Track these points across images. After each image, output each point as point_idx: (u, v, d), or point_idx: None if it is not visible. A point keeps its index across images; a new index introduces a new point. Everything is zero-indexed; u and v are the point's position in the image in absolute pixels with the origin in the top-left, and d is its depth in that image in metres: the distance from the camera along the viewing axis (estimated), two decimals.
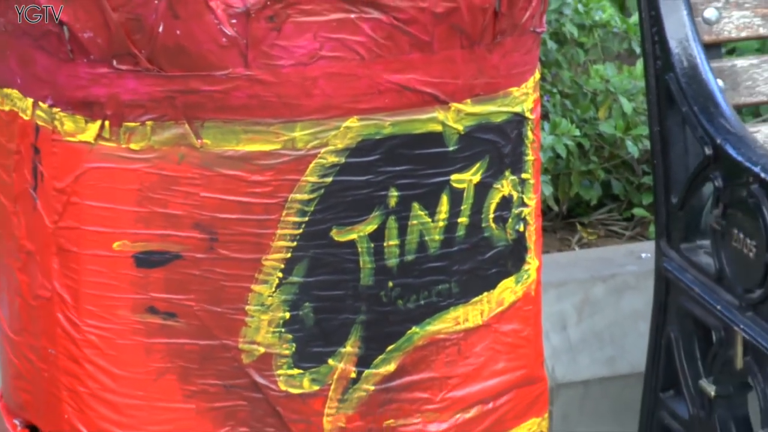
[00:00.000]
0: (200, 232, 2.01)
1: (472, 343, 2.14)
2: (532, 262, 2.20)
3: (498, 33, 2.07)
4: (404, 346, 2.09)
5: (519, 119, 2.14)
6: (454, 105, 2.06)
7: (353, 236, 2.04)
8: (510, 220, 2.15)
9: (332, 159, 2.01)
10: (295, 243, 2.02)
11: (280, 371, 2.05)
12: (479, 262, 2.13)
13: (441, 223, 2.08)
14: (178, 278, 2.02)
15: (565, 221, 3.77)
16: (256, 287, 2.02)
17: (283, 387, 2.05)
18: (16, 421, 2.17)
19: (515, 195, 2.15)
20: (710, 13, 2.85)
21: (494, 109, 2.10)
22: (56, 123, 2.02)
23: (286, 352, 2.05)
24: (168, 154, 1.99)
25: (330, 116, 1.99)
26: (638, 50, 3.73)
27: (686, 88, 2.76)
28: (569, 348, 3.10)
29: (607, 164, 3.74)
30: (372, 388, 2.09)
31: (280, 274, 2.02)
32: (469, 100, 2.07)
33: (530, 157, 2.17)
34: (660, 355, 2.83)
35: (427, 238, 2.08)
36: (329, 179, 2.01)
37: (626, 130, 3.67)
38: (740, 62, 2.91)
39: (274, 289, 2.03)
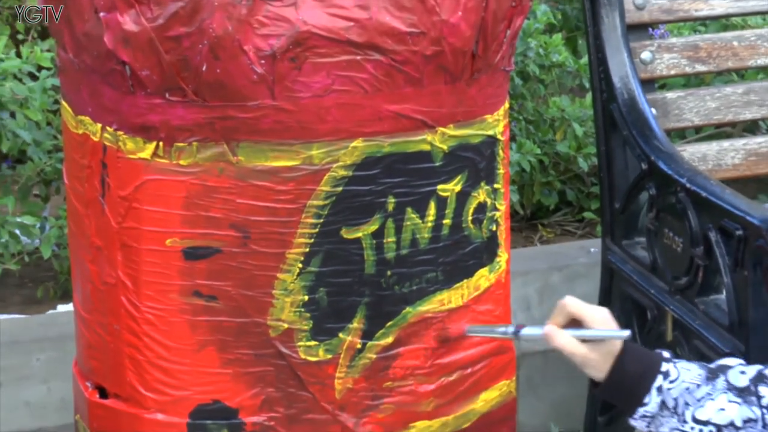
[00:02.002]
0: (236, 231, 2.01)
1: (454, 320, 2.13)
2: (502, 255, 2.20)
3: (475, 71, 2.07)
4: (400, 322, 2.09)
5: (492, 140, 2.14)
6: (440, 129, 2.06)
7: (359, 234, 2.04)
8: (485, 221, 2.16)
9: (342, 172, 2.01)
10: (312, 240, 2.02)
11: (300, 343, 2.05)
12: (460, 255, 2.13)
13: (429, 224, 2.08)
14: (218, 268, 2.02)
15: (528, 222, 3.77)
16: (281, 275, 2.02)
17: (302, 356, 2.05)
18: (88, 383, 2.17)
19: (489, 201, 2.16)
20: (646, 55, 2.86)
21: (472, 132, 2.10)
22: (120, 143, 2.03)
23: (305, 327, 2.04)
24: (210, 168, 1.99)
25: (340, 138, 1.99)
26: (588, 85, 3.73)
27: (626, 116, 2.76)
28: (532, 324, 3.10)
29: (562, 177, 3.74)
30: (374, 356, 2.08)
31: (300, 265, 2.02)
32: (451, 125, 2.07)
33: (501, 170, 2.17)
34: None
35: (418, 236, 2.08)
36: (340, 188, 2.01)
37: (578, 149, 3.67)
38: (670, 95, 2.91)
39: (295, 277, 2.03)
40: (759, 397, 2.03)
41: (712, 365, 2.10)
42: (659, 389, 2.06)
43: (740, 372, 2.06)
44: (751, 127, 3.70)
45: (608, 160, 2.82)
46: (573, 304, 2.09)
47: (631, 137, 2.73)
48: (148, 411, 2.07)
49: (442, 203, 2.09)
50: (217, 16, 1.92)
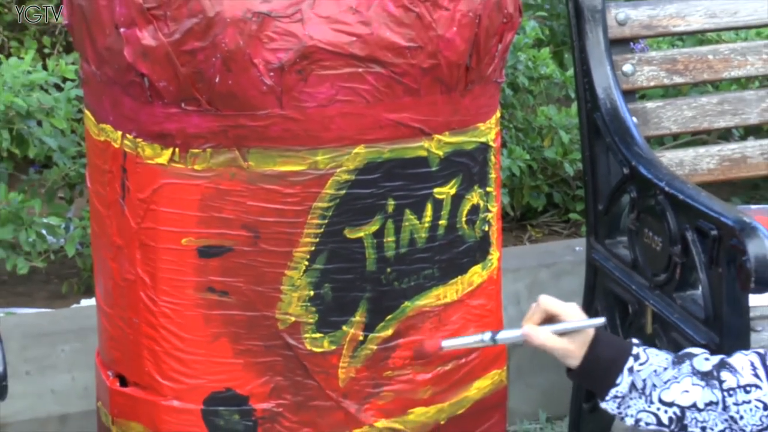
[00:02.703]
0: (247, 231, 2.01)
1: (449, 314, 2.14)
2: (494, 253, 2.20)
3: (469, 83, 2.07)
4: (399, 316, 2.09)
5: (484, 147, 2.14)
6: (436, 136, 2.06)
7: (361, 234, 2.04)
8: (478, 222, 2.16)
9: (345, 176, 2.01)
10: (317, 239, 2.01)
11: (306, 335, 2.05)
12: (455, 253, 2.13)
13: (426, 225, 2.08)
14: (230, 265, 2.01)
15: (518, 223, 3.77)
16: (288, 272, 2.02)
17: (308, 347, 2.05)
18: (109, 372, 2.16)
19: (482, 203, 2.16)
20: (627, 68, 2.86)
21: (466, 139, 2.10)
22: (139, 150, 2.03)
23: (311, 320, 2.04)
24: (222, 172, 1.99)
25: (343, 145, 1.99)
26: (573, 95, 3.73)
27: (609, 124, 2.76)
28: (522, 318, 3.10)
29: (550, 181, 3.74)
30: (375, 347, 2.08)
31: (307, 263, 2.02)
32: (447, 133, 2.07)
33: (493, 175, 2.17)
34: None
35: (416, 235, 2.08)
36: (343, 192, 2.01)
37: (564, 155, 3.67)
38: (649, 104, 2.91)
39: (302, 274, 2.02)
40: (721, 382, 2.04)
41: (679, 353, 2.12)
42: (630, 370, 2.08)
43: (704, 359, 2.08)
44: (724, 135, 3.71)
45: (592, 165, 2.82)
46: (547, 302, 2.12)
47: (613, 144, 2.73)
48: (165, 398, 2.07)
49: (438, 205, 2.09)
50: (230, 31, 1.92)
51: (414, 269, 2.08)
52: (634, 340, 2.13)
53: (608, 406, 2.10)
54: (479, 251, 2.16)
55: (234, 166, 1.99)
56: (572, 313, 2.12)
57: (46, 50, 3.91)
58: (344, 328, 2.06)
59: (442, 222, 2.10)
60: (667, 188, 2.54)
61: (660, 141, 3.75)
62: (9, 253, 3.17)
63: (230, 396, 2.05)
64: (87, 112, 2.15)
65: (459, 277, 2.14)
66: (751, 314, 2.45)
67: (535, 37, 3.78)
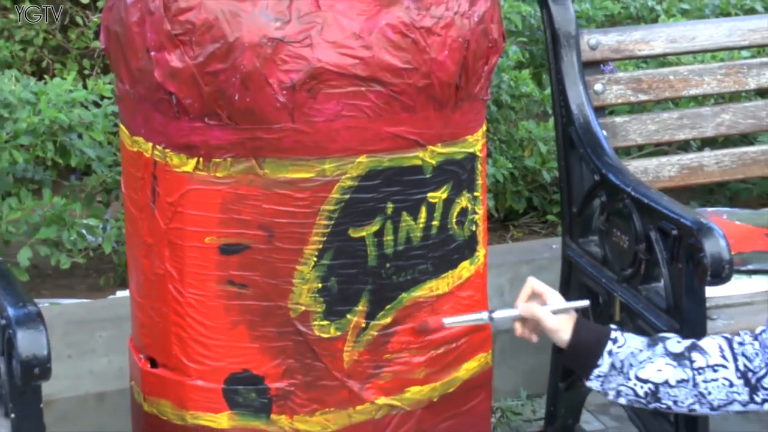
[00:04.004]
0: (262, 231, 2.01)
1: (441, 303, 2.13)
2: (481, 250, 2.20)
3: (458, 100, 2.07)
4: (397, 306, 2.09)
5: (472, 156, 2.14)
6: (430, 147, 2.06)
7: (363, 233, 2.04)
8: (466, 223, 2.15)
9: (349, 182, 2.01)
10: (325, 238, 2.01)
11: (315, 322, 2.04)
12: (446, 251, 2.12)
13: (421, 225, 2.08)
14: (248, 261, 2.01)
15: (502, 224, 3.76)
16: (299, 267, 2.02)
17: (317, 333, 2.05)
18: (141, 356, 2.16)
19: (470, 206, 2.15)
20: (598, 87, 2.85)
21: (456, 150, 2.10)
22: (168, 159, 2.02)
23: (319, 309, 2.04)
24: (241, 179, 1.99)
25: (348, 154, 1.99)
26: (550, 111, 3.72)
27: (582, 137, 2.75)
28: (505, 307, 3.09)
29: (529, 186, 3.73)
30: (375, 333, 2.08)
31: (315, 259, 2.02)
32: (439, 144, 2.07)
33: (480, 181, 2.17)
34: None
35: (412, 235, 2.07)
36: (348, 196, 2.01)
37: (542, 164, 3.66)
38: (617, 119, 2.90)
39: (311, 268, 2.02)
40: (692, 361, 2.05)
41: (654, 336, 2.13)
42: (609, 353, 2.09)
43: (677, 341, 2.10)
44: (683, 146, 3.70)
45: (567, 172, 2.81)
46: (536, 283, 2.16)
47: (585, 154, 2.73)
48: (190, 378, 2.07)
49: (431, 208, 2.08)
50: (247, 54, 1.92)
51: (410, 264, 2.08)
52: (612, 326, 2.15)
53: (592, 384, 2.11)
54: (468, 249, 2.16)
55: (251, 173, 1.98)
56: (555, 295, 2.16)
57: (86, 71, 3.91)
58: (348, 316, 2.05)
59: (435, 223, 2.09)
60: (633, 193, 2.54)
61: (627, 151, 3.75)
62: (53, 250, 3.16)
63: (248, 376, 2.05)
64: (122, 126, 2.14)
65: (450, 271, 2.13)
66: (708, 304, 2.44)
67: (516, 60, 3.78)
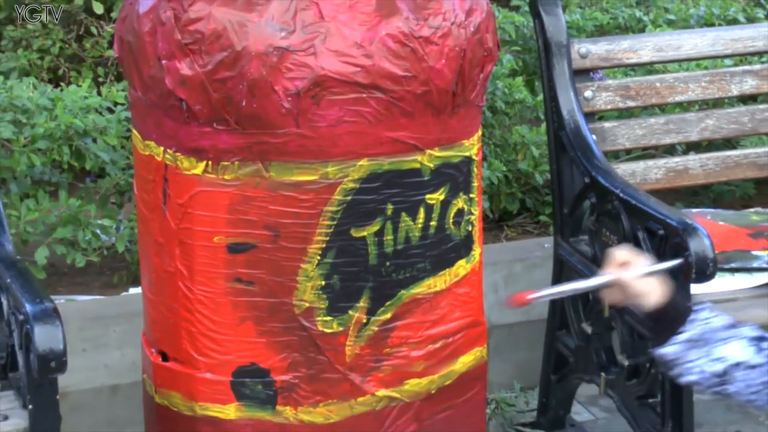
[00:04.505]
0: (268, 230, 2.01)
1: (438, 300, 2.13)
2: (476, 249, 2.20)
3: (455, 106, 2.07)
4: (396, 302, 2.08)
5: (468, 160, 2.13)
6: (428, 151, 2.05)
7: (364, 233, 2.04)
8: (463, 223, 2.15)
9: (351, 185, 2.00)
10: (328, 238, 2.01)
11: (318, 318, 2.04)
12: (443, 249, 2.12)
13: (419, 225, 2.08)
14: (254, 260, 2.01)
15: (497, 224, 3.76)
16: (303, 265, 2.02)
17: (320, 328, 2.05)
18: (153, 350, 2.16)
19: (466, 207, 2.15)
20: (588, 94, 2.85)
21: (453, 154, 2.10)
22: (178, 162, 2.02)
23: (323, 306, 2.04)
24: (248, 182, 1.99)
25: (350, 158, 1.99)
26: (542, 117, 3.72)
27: (573, 141, 2.75)
28: (499, 304, 3.09)
29: (523, 188, 3.72)
30: (376, 328, 2.08)
31: (319, 257, 2.02)
32: (437, 148, 2.06)
33: (475, 183, 2.17)
34: (556, 308, 2.82)
35: (410, 234, 2.07)
36: (349, 197, 2.01)
37: (535, 167, 3.65)
38: (606, 124, 2.90)
39: (314, 266, 2.02)
40: (763, 349, 1.94)
41: (734, 321, 2.00)
42: (692, 321, 1.97)
43: (753, 328, 1.98)
44: (670, 150, 3.69)
45: (559, 175, 2.81)
46: (620, 253, 2.02)
47: (576, 157, 2.73)
48: (199, 371, 2.07)
49: (429, 209, 2.08)
50: (254, 63, 1.92)
51: (409, 263, 2.08)
52: (699, 299, 2.02)
53: (669, 350, 1.97)
54: (464, 248, 2.16)
55: (258, 176, 1.98)
56: (644, 261, 2.03)
57: (101, 79, 3.91)
58: (350, 312, 2.05)
59: (433, 223, 2.09)
60: (621, 195, 2.54)
61: (615, 155, 3.74)
62: (69, 249, 3.16)
63: (254, 369, 2.05)
64: (134, 130, 2.14)
65: (447, 269, 2.13)
66: (693, 301, 2.44)
67: (510, 68, 3.77)
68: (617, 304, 2.06)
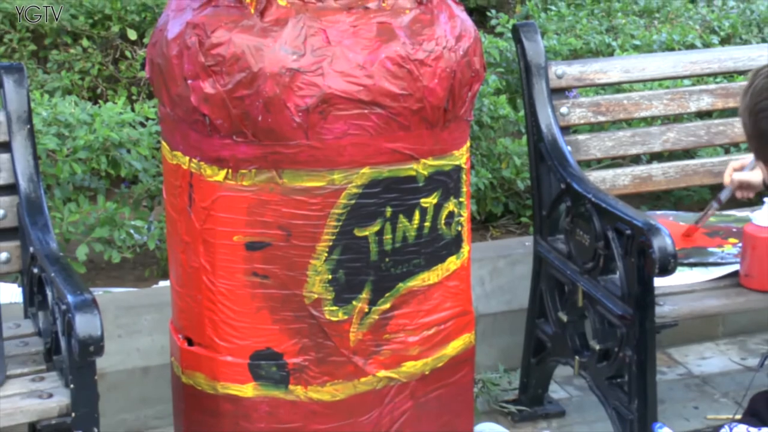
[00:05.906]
0: (282, 230, 2.00)
1: (432, 292, 2.12)
2: (465, 247, 2.19)
3: (447, 121, 2.06)
4: (394, 294, 2.08)
5: (458, 168, 2.13)
6: (423, 160, 2.05)
7: (366, 233, 2.03)
8: (453, 224, 2.14)
9: (355, 190, 2.00)
10: (334, 237, 2.00)
11: (326, 308, 2.04)
12: (436, 247, 2.11)
13: (415, 226, 2.07)
14: (270, 256, 2.00)
15: (483, 225, 3.75)
16: (312, 261, 2.01)
17: (327, 316, 2.04)
18: (180, 336, 2.15)
19: (456, 210, 2.14)
20: (564, 110, 2.85)
21: (445, 163, 2.09)
22: (202, 170, 2.02)
23: (329, 297, 2.03)
24: (264, 187, 1.98)
25: (353, 167, 1.98)
26: (524, 130, 3.71)
27: (550, 151, 2.75)
28: (485, 295, 3.09)
29: (506, 193, 3.72)
30: (377, 317, 2.07)
31: (326, 254, 2.01)
32: (430, 158, 2.06)
33: (464, 189, 2.16)
34: (536, 299, 2.82)
35: (407, 234, 2.06)
36: (353, 201, 2.00)
37: (517, 174, 3.64)
38: (580, 137, 2.90)
39: (322, 262, 2.01)
40: None
41: None
42: None
43: None
44: (635, 159, 3.69)
45: (538, 181, 2.81)
46: (729, 176, 2.57)
47: (553, 166, 2.73)
48: (220, 354, 2.06)
49: (424, 211, 2.07)
50: (269, 82, 1.92)
51: (406, 259, 2.07)
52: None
53: None
54: (454, 246, 2.15)
55: (272, 182, 1.98)
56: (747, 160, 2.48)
57: (134, 97, 3.91)
58: (354, 302, 2.05)
59: (427, 224, 2.08)
60: (593, 199, 2.54)
61: (588, 164, 3.73)
62: (106, 247, 3.16)
63: (269, 353, 2.04)
64: (163, 142, 2.14)
65: (439, 264, 2.13)
66: (656, 292, 2.44)
67: (495, 87, 3.77)
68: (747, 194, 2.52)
